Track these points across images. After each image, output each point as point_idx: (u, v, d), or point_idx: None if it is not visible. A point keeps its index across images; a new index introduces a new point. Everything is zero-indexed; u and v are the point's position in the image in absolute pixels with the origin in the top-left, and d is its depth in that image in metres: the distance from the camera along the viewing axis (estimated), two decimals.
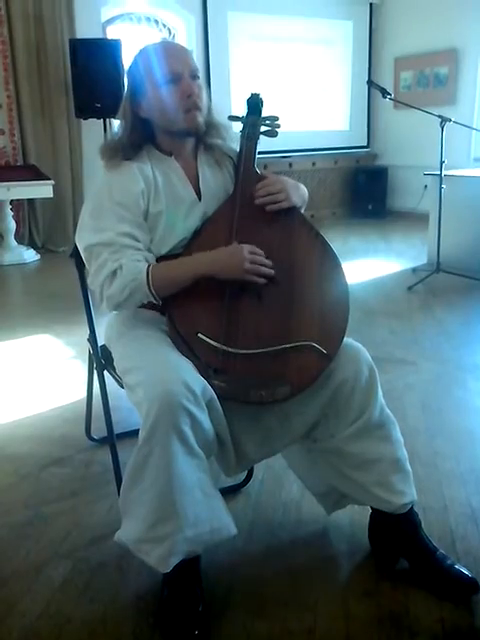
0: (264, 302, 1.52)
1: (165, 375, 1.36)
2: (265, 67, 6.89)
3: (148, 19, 6.55)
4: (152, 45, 1.58)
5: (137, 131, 1.58)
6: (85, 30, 5.78)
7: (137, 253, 1.51)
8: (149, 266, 1.49)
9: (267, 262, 1.51)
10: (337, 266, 1.60)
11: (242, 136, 1.69)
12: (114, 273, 1.47)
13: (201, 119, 1.56)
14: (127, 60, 1.62)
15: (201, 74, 1.59)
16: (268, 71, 6.87)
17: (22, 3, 5.49)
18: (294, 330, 1.49)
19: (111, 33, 6.29)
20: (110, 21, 6.31)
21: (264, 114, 1.72)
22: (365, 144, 7.92)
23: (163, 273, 1.49)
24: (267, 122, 1.71)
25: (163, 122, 1.57)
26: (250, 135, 1.69)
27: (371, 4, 7.48)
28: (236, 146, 1.70)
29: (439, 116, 4.14)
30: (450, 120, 4.14)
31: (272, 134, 1.71)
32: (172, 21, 6.67)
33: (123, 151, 1.57)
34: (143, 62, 1.55)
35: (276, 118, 1.71)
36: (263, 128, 1.70)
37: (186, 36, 6.66)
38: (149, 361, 1.44)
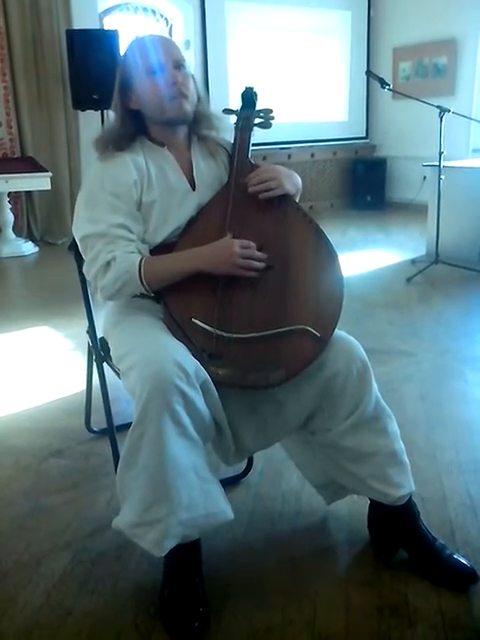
0: (258, 287, 1.52)
1: (157, 356, 1.37)
2: (263, 57, 6.84)
3: (145, 9, 6.50)
4: (138, 39, 1.61)
5: (128, 123, 1.62)
6: (82, 21, 5.73)
7: (130, 244, 1.52)
8: (142, 259, 1.50)
9: (258, 255, 1.52)
10: (330, 252, 1.60)
11: (236, 128, 1.73)
12: (108, 264, 1.49)
13: (188, 107, 1.58)
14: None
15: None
16: (266, 61, 6.83)
17: None
18: (288, 315, 1.50)
19: (108, 24, 6.25)
20: (107, 11, 6.27)
21: (258, 107, 1.76)
22: (364, 135, 7.89)
23: (155, 268, 1.51)
24: (261, 114, 1.75)
25: (152, 112, 1.60)
26: (244, 127, 1.72)
27: None
28: (230, 137, 1.72)
29: (438, 107, 4.13)
30: (449, 111, 4.12)
31: (266, 126, 1.75)
32: (169, 11, 6.62)
33: (116, 142, 1.60)
34: (129, 56, 1.59)
35: (270, 111, 1.75)
36: (257, 120, 1.74)
37: (184, 26, 6.61)
38: (142, 344, 1.45)
